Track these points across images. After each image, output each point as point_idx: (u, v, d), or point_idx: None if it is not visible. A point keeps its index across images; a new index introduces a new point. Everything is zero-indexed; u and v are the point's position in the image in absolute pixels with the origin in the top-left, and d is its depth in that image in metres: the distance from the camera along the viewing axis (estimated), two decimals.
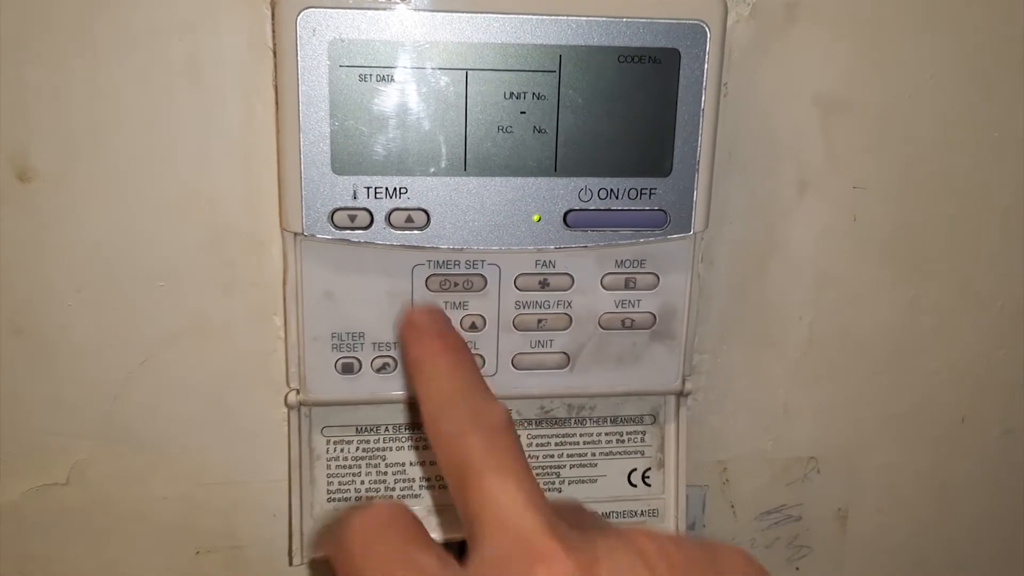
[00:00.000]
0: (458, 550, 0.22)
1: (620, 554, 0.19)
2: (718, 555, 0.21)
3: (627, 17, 0.29)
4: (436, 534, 0.34)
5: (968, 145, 0.36)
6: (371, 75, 0.28)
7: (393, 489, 0.34)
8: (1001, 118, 0.36)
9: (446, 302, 0.31)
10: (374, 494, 0.34)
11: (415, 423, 0.34)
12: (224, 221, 0.32)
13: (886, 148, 0.36)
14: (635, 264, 0.32)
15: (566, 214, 0.31)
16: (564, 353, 0.33)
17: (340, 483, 0.34)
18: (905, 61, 0.35)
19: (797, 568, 0.42)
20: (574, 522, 0.21)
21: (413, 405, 0.33)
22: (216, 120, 0.31)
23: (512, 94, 0.29)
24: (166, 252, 0.32)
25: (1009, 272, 0.39)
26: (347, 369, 0.31)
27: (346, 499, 0.34)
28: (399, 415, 0.34)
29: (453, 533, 0.34)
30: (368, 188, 0.29)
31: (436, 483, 0.35)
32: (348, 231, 0.30)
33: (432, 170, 0.29)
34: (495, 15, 0.28)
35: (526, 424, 0.35)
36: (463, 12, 0.28)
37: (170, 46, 0.30)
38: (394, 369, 0.32)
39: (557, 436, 0.35)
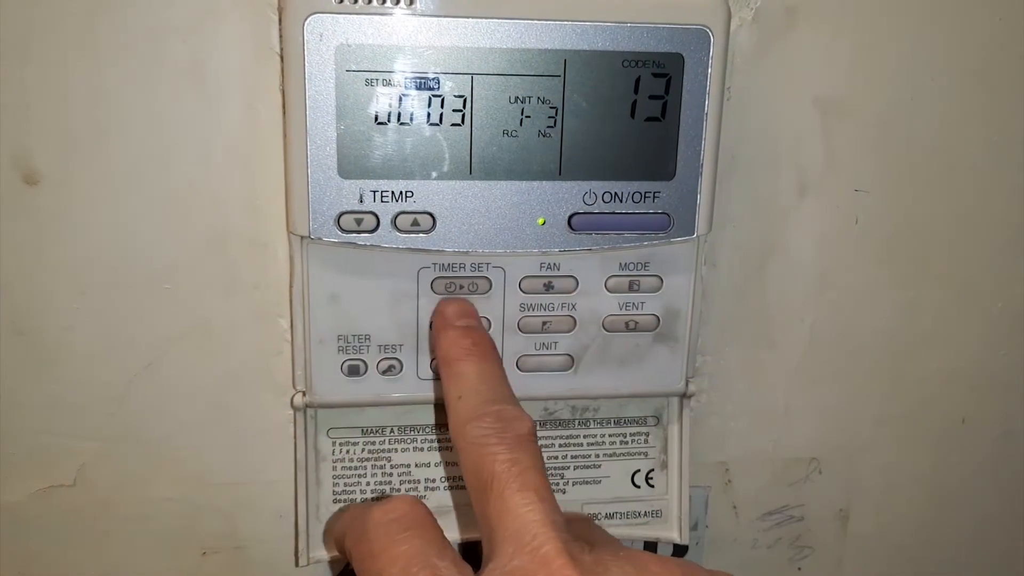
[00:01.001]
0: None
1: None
2: None
3: (631, 22, 0.29)
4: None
5: (969, 148, 0.37)
6: (377, 79, 0.28)
7: (398, 490, 0.34)
8: (1002, 121, 0.36)
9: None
10: (379, 496, 0.34)
11: (421, 425, 0.34)
12: (228, 223, 0.32)
13: (887, 151, 0.36)
14: (639, 267, 0.32)
15: (570, 217, 0.31)
16: (568, 355, 0.33)
17: (346, 484, 0.34)
18: (906, 64, 0.35)
19: (799, 568, 0.42)
20: (585, 537, 0.22)
21: (419, 407, 0.34)
22: (220, 123, 0.31)
23: (517, 98, 0.29)
24: (170, 254, 0.32)
25: (1009, 274, 0.39)
26: (353, 371, 0.32)
27: (352, 500, 0.34)
28: (405, 417, 0.34)
29: (453, 533, 0.34)
30: (374, 192, 0.29)
31: (441, 485, 0.35)
32: (354, 234, 0.30)
33: (438, 174, 0.30)
34: (500, 20, 0.29)
35: None
36: (468, 17, 0.28)
37: (174, 49, 0.30)
38: (400, 371, 0.32)
39: (561, 438, 0.35)
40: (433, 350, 0.31)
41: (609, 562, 0.20)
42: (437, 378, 0.32)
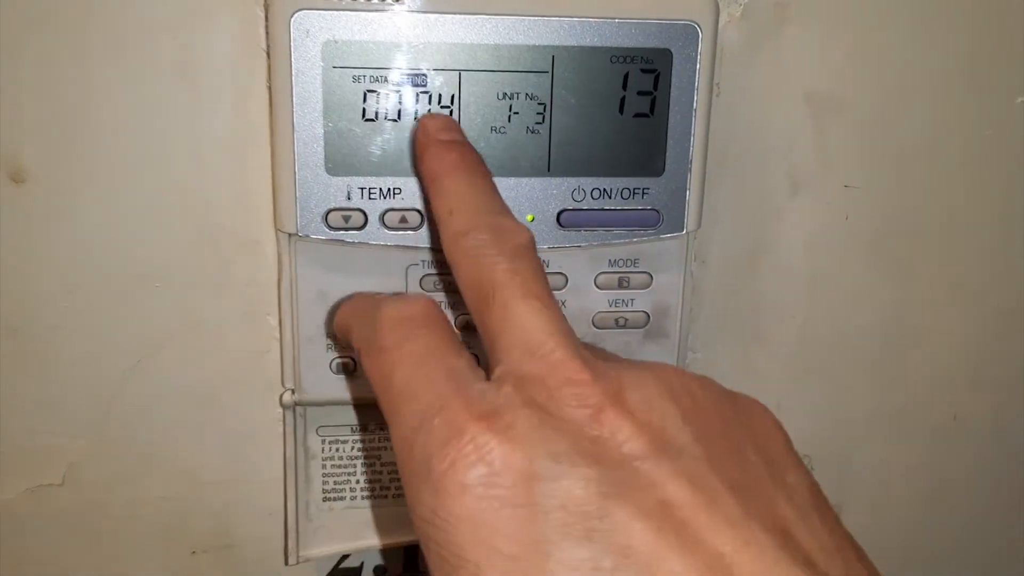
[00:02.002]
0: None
1: (647, 384, 0.19)
2: (738, 400, 0.21)
3: (619, 18, 0.29)
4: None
5: (959, 144, 0.37)
6: (364, 76, 0.28)
7: (388, 488, 0.34)
8: (992, 117, 0.36)
9: (441, 303, 0.31)
10: (369, 494, 0.34)
11: None
12: (217, 221, 0.32)
13: (878, 147, 0.36)
14: (628, 263, 0.32)
15: (559, 214, 0.31)
16: None
17: (335, 482, 0.34)
18: (896, 60, 0.35)
19: None
20: (598, 355, 0.21)
21: None
22: (209, 120, 0.31)
23: (505, 95, 0.29)
24: (159, 252, 0.32)
25: (1000, 271, 0.39)
26: (342, 369, 0.32)
27: (341, 498, 0.34)
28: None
29: None
30: (362, 189, 0.29)
31: None
32: (342, 231, 0.30)
33: None
34: (488, 16, 0.28)
35: None
36: (456, 13, 0.28)
37: (162, 47, 0.30)
38: None
39: None
40: (418, 172, 0.28)
41: (624, 369, 0.20)
42: None
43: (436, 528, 0.18)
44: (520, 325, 0.20)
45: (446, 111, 0.29)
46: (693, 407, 0.19)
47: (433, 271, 0.31)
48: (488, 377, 0.21)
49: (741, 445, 0.20)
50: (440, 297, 0.31)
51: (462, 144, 0.26)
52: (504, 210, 0.24)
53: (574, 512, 0.17)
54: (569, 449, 0.18)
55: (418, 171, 0.28)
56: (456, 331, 0.22)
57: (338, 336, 0.26)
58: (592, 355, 0.20)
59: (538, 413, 0.19)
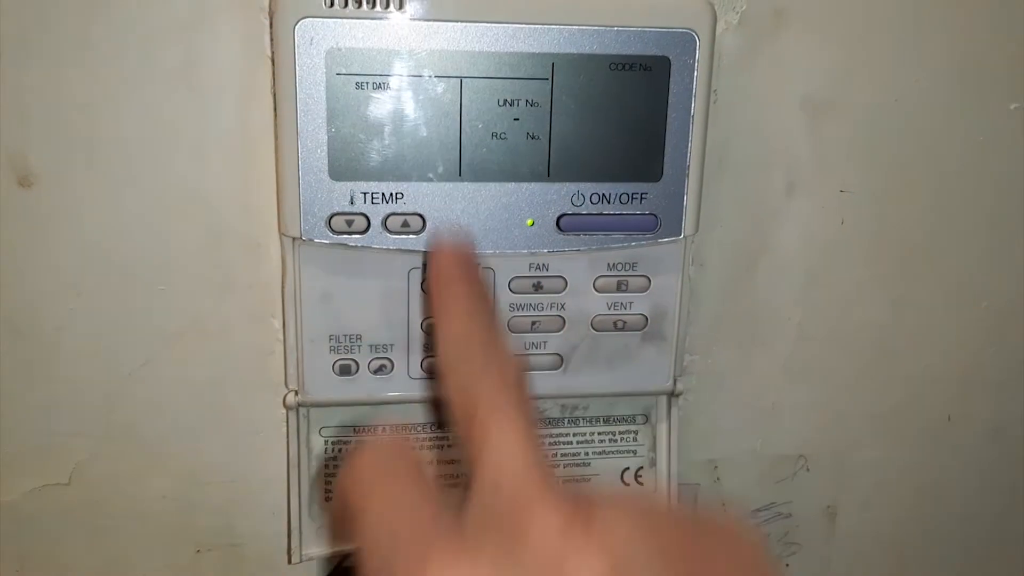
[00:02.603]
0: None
1: (617, 514, 0.19)
2: (718, 535, 0.20)
3: (618, 26, 0.29)
4: None
5: (954, 148, 0.37)
6: (368, 83, 0.29)
7: None
8: (987, 121, 0.37)
9: None
10: None
11: (412, 423, 0.35)
12: (222, 223, 0.32)
13: (873, 152, 0.36)
14: (627, 267, 0.33)
15: (559, 218, 0.31)
16: (557, 355, 0.33)
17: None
18: (891, 66, 0.35)
19: (787, 565, 0.42)
20: (572, 488, 0.21)
21: (411, 406, 0.34)
22: (213, 125, 0.31)
23: (506, 101, 0.30)
24: (164, 255, 0.32)
25: (994, 272, 0.39)
26: (345, 371, 0.32)
27: None
28: (396, 415, 0.34)
29: None
30: (365, 193, 0.30)
31: None
32: (345, 235, 0.30)
33: (428, 176, 0.30)
34: (489, 24, 0.29)
35: None
36: (458, 21, 0.29)
37: (168, 51, 0.30)
38: (391, 370, 0.32)
39: (551, 436, 0.36)
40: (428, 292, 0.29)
41: (594, 501, 0.20)
42: (428, 377, 0.33)
43: None
44: (495, 458, 0.20)
45: (448, 117, 0.29)
46: (665, 534, 0.19)
47: None
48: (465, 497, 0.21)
49: None
50: None
51: (470, 275, 0.26)
52: (498, 343, 0.24)
53: None
54: None
55: (429, 295, 0.29)
56: (424, 469, 0.22)
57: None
58: (564, 487, 0.20)
59: (502, 556, 0.19)
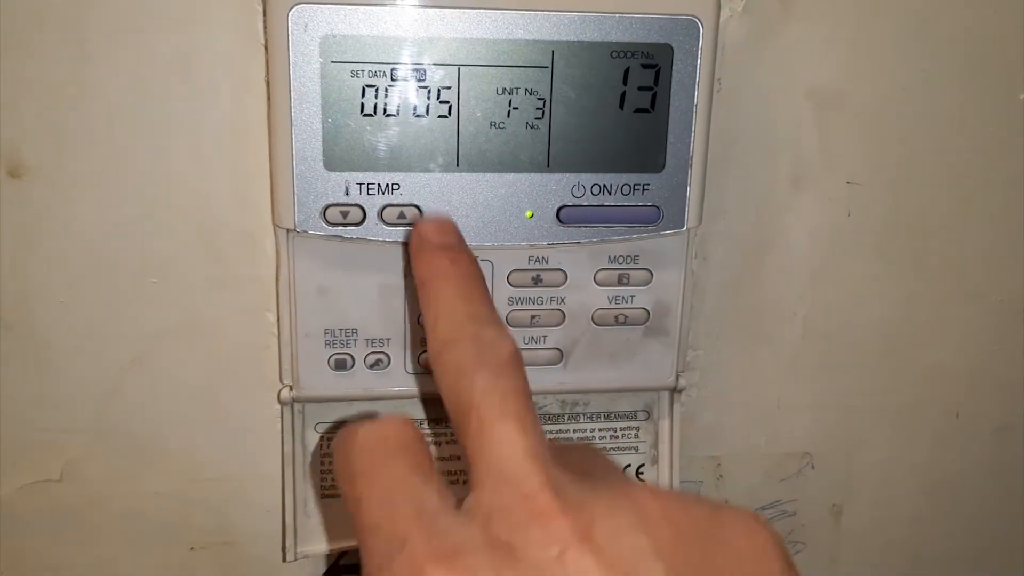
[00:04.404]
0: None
1: (620, 515, 0.19)
2: (727, 521, 0.20)
3: (619, 12, 0.29)
4: None
5: (962, 140, 0.36)
6: (363, 71, 0.28)
7: None
8: (995, 113, 0.36)
9: None
10: None
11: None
12: (216, 216, 0.32)
13: (880, 143, 0.36)
14: (628, 260, 0.32)
15: (559, 210, 0.31)
16: (558, 349, 0.33)
17: (333, 479, 0.34)
18: (899, 56, 0.35)
19: None
20: (579, 468, 0.20)
21: (407, 401, 0.34)
22: (207, 115, 0.31)
23: (504, 90, 0.29)
24: (158, 248, 0.32)
25: (1003, 268, 0.39)
26: (340, 365, 0.31)
27: (339, 495, 0.34)
28: (393, 411, 0.34)
29: None
30: (360, 184, 0.29)
31: None
32: (341, 227, 0.29)
33: (425, 166, 0.29)
34: (487, 11, 0.28)
35: None
36: (455, 8, 0.28)
37: (160, 41, 0.30)
38: (387, 365, 0.32)
39: (551, 432, 0.35)
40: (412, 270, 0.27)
41: (598, 495, 0.19)
42: (425, 372, 0.32)
43: None
44: (494, 451, 0.20)
45: (445, 107, 0.29)
46: (670, 537, 0.19)
47: None
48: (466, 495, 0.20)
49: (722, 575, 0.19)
50: None
51: (455, 249, 0.25)
52: (490, 319, 0.23)
53: None
54: None
55: (413, 272, 0.27)
56: (430, 454, 0.21)
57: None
58: (570, 476, 0.20)
59: (501, 556, 0.18)
